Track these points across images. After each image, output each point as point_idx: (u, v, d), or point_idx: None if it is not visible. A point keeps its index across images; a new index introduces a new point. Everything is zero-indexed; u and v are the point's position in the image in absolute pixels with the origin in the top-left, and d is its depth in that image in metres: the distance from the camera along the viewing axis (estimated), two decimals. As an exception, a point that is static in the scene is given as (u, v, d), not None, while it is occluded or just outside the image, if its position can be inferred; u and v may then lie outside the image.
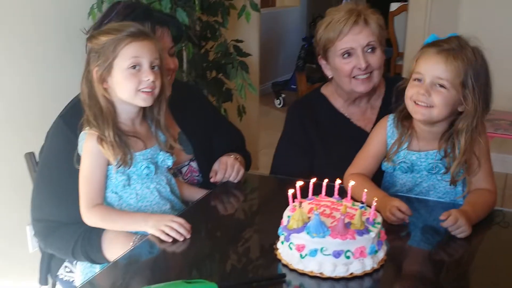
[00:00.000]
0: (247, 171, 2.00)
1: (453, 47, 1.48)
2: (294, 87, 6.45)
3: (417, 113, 1.54)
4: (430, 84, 1.50)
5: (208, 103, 2.12)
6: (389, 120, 1.68)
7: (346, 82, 1.87)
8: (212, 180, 1.80)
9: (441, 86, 1.49)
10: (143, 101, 1.51)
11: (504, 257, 1.39)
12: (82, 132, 1.51)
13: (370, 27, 1.82)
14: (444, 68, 1.47)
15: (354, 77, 1.85)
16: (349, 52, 1.83)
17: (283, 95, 6.36)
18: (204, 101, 2.08)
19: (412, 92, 1.54)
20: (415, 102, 1.53)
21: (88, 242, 1.56)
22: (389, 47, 7.46)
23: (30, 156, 1.87)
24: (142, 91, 1.49)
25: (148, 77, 1.48)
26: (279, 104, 6.37)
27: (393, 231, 1.43)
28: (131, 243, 1.49)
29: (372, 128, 1.79)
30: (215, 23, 2.90)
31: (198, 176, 1.89)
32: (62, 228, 1.61)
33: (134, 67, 1.47)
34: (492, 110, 3.83)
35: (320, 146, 1.93)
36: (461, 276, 1.33)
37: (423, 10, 4.40)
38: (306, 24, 7.76)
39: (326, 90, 2.01)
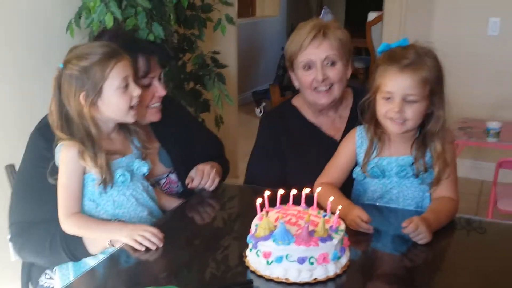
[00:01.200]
0: (225, 177, 2.08)
1: (413, 60, 1.53)
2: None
3: (394, 128, 1.60)
4: (401, 100, 1.55)
5: (187, 114, 2.19)
6: (357, 131, 1.74)
7: (308, 94, 1.95)
8: (189, 186, 1.86)
9: (412, 101, 1.55)
10: (132, 117, 1.61)
11: (466, 261, 1.46)
12: (58, 144, 1.56)
13: (329, 41, 1.88)
14: (411, 84, 1.53)
15: (315, 89, 1.92)
16: (309, 65, 1.90)
17: (263, 104, 6.43)
18: (183, 113, 2.15)
19: (385, 110, 1.59)
20: (390, 119, 1.59)
21: (69, 236, 1.60)
22: (368, 56, 7.62)
23: (10, 168, 1.91)
24: (132, 108, 1.58)
25: (137, 91, 1.58)
26: (260, 112, 6.44)
27: (357, 237, 1.50)
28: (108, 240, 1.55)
29: (342, 136, 1.87)
30: (191, 36, 2.96)
31: (177, 187, 1.95)
32: (37, 227, 1.66)
33: (125, 86, 1.55)
34: (465, 118, 3.94)
35: (292, 155, 1.99)
36: (422, 280, 1.38)
37: (397, 19, 4.50)
38: (285, 34, 7.85)
39: (297, 102, 2.07)
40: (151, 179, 1.86)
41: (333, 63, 1.90)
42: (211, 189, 1.86)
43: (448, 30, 4.29)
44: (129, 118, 1.60)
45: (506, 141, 3.32)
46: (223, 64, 3.06)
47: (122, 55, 1.56)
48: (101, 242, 1.57)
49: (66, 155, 1.54)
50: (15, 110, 2.52)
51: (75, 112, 1.53)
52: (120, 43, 1.72)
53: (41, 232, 1.65)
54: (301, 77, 1.93)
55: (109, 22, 2.35)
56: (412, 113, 1.56)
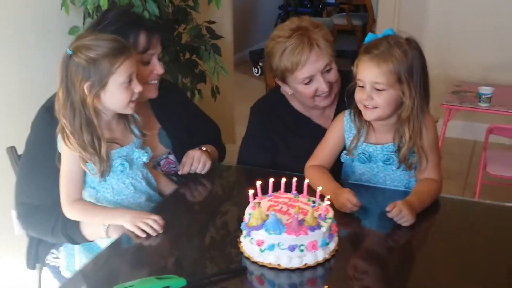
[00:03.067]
0: (221, 162, 2.14)
1: (382, 50, 1.60)
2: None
3: (366, 114, 1.69)
4: (370, 88, 1.64)
5: (187, 99, 2.26)
6: (346, 115, 1.81)
7: (310, 101, 1.97)
8: (179, 172, 1.94)
9: (380, 89, 1.63)
10: (132, 110, 1.67)
11: (450, 242, 1.55)
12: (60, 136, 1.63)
13: (323, 50, 1.88)
14: (378, 72, 1.61)
15: (317, 95, 1.94)
16: (310, 79, 1.90)
17: (260, 64, 6.42)
18: (182, 97, 2.22)
19: (358, 97, 1.69)
20: (363, 105, 1.67)
21: (68, 221, 1.70)
22: (366, 12, 7.55)
23: (11, 150, 1.98)
24: (132, 101, 1.64)
25: (138, 88, 1.63)
26: (257, 72, 6.45)
27: (346, 221, 1.59)
28: (104, 224, 1.64)
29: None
30: (187, 7, 2.96)
31: (175, 167, 2.03)
32: (42, 210, 1.75)
33: (129, 82, 1.61)
34: (460, 81, 4.00)
35: (282, 143, 2.03)
36: (408, 261, 1.49)
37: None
38: (282, -8, 7.77)
39: (285, 92, 2.07)
40: (152, 161, 1.94)
41: (329, 67, 1.92)
42: (203, 172, 1.93)
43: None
44: (128, 110, 1.66)
45: (497, 107, 3.38)
46: (218, 35, 3.08)
47: (131, 51, 1.61)
48: (97, 230, 1.66)
49: (68, 147, 1.61)
50: (17, 93, 2.56)
51: (79, 99, 1.58)
52: (125, 19, 1.82)
53: (46, 216, 1.74)
54: (302, 90, 1.93)
55: (104, 0, 2.36)
56: (381, 101, 1.64)
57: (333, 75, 1.94)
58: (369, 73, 1.62)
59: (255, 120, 2.10)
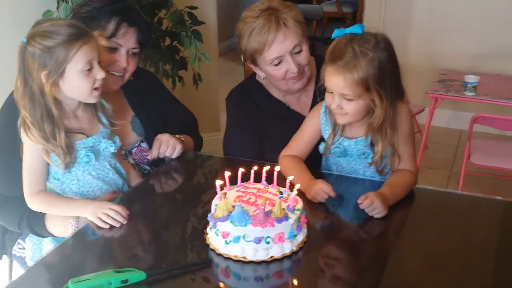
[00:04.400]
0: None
1: (348, 60, 1.54)
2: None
3: (337, 119, 1.66)
4: (339, 98, 1.59)
5: (162, 88, 2.18)
6: (322, 108, 1.76)
7: (282, 84, 1.92)
8: (149, 157, 1.88)
9: (348, 99, 1.58)
10: (95, 98, 1.60)
11: (423, 233, 1.52)
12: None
13: (291, 30, 1.83)
14: (344, 84, 1.55)
15: (288, 78, 1.89)
16: (278, 59, 1.85)
17: (248, 51, 6.35)
18: (158, 86, 2.15)
19: (328, 102, 1.64)
20: (333, 110, 1.64)
21: (33, 217, 1.66)
22: (356, 0, 7.46)
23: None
24: (95, 89, 1.57)
25: (101, 75, 1.56)
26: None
27: (318, 212, 1.56)
28: (70, 220, 1.60)
29: (309, 112, 1.87)
30: (166, -9, 2.90)
31: (147, 155, 1.97)
32: (10, 203, 1.71)
33: (89, 69, 1.53)
34: (446, 69, 3.98)
35: (261, 130, 1.99)
36: (380, 253, 1.45)
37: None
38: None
39: (261, 79, 2.03)
40: (124, 149, 1.89)
41: (299, 49, 1.87)
42: (173, 156, 1.88)
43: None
44: (92, 99, 1.59)
45: (483, 95, 3.35)
46: (200, 21, 3.02)
47: (88, 36, 1.54)
48: (64, 229, 1.60)
49: (29, 139, 1.56)
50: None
51: (37, 89, 1.52)
52: (108, 2, 1.78)
53: (16, 208, 1.69)
54: (272, 72, 1.88)
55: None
56: (350, 110, 1.60)
57: (303, 57, 1.88)
58: (336, 85, 1.58)
59: (233, 109, 2.04)
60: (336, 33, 1.60)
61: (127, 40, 1.81)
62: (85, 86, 1.55)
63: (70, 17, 1.81)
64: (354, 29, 1.58)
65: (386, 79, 1.57)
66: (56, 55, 1.49)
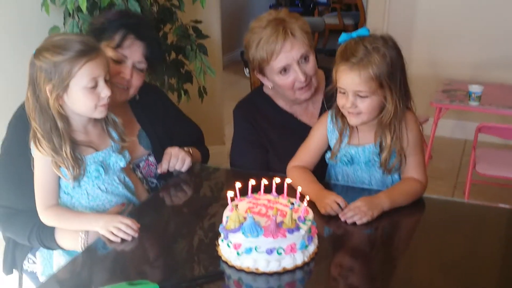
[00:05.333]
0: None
1: (361, 57, 1.57)
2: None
3: (350, 120, 1.67)
4: (353, 96, 1.61)
5: (169, 101, 2.20)
6: (329, 116, 1.77)
7: (290, 94, 1.93)
8: (158, 171, 1.90)
9: (363, 96, 1.60)
10: (100, 114, 1.60)
11: (432, 241, 1.52)
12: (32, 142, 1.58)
13: (299, 39, 1.85)
14: (359, 81, 1.57)
15: (296, 87, 1.91)
16: (286, 68, 1.87)
17: (251, 64, 6.38)
18: (165, 100, 2.17)
19: (341, 103, 1.65)
20: (346, 111, 1.65)
21: (42, 230, 1.67)
22: (357, 11, 7.53)
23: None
24: (100, 105, 1.57)
25: (106, 93, 1.56)
26: (249, 73, 6.39)
27: (327, 222, 1.56)
28: (80, 233, 1.60)
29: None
30: (172, 7, 2.92)
31: (155, 169, 1.98)
32: (20, 215, 1.71)
33: (94, 86, 1.54)
34: (450, 79, 3.99)
35: (268, 142, 2.00)
36: (390, 263, 1.45)
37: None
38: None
39: (268, 90, 2.05)
40: (131, 163, 1.90)
41: (306, 58, 1.89)
42: (183, 169, 1.89)
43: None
44: (97, 114, 1.60)
45: (487, 105, 3.35)
46: (204, 35, 3.04)
47: (95, 53, 1.54)
48: (74, 243, 1.61)
49: (39, 152, 1.57)
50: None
51: (45, 101, 1.54)
52: (120, 15, 1.85)
53: (25, 221, 1.69)
54: (279, 81, 1.90)
55: (83, 0, 2.32)
56: (365, 107, 1.62)
57: (310, 67, 1.90)
58: (351, 82, 1.59)
59: (240, 120, 2.05)
60: (344, 37, 1.63)
61: (133, 53, 1.83)
62: (89, 102, 1.55)
63: (85, 28, 1.84)
64: (361, 31, 1.61)
65: (396, 76, 1.59)
66: (60, 69, 1.50)
